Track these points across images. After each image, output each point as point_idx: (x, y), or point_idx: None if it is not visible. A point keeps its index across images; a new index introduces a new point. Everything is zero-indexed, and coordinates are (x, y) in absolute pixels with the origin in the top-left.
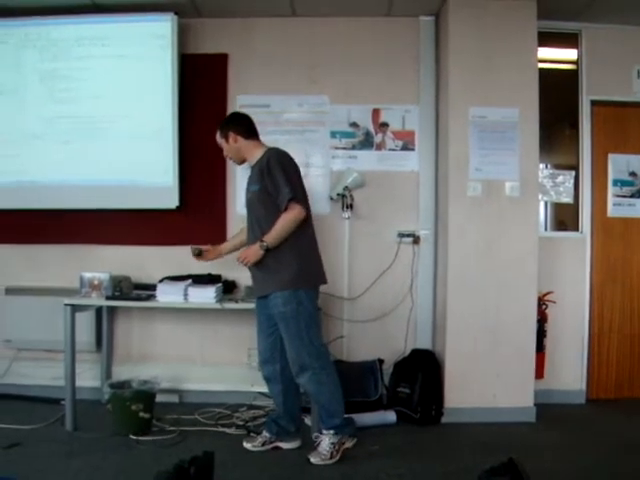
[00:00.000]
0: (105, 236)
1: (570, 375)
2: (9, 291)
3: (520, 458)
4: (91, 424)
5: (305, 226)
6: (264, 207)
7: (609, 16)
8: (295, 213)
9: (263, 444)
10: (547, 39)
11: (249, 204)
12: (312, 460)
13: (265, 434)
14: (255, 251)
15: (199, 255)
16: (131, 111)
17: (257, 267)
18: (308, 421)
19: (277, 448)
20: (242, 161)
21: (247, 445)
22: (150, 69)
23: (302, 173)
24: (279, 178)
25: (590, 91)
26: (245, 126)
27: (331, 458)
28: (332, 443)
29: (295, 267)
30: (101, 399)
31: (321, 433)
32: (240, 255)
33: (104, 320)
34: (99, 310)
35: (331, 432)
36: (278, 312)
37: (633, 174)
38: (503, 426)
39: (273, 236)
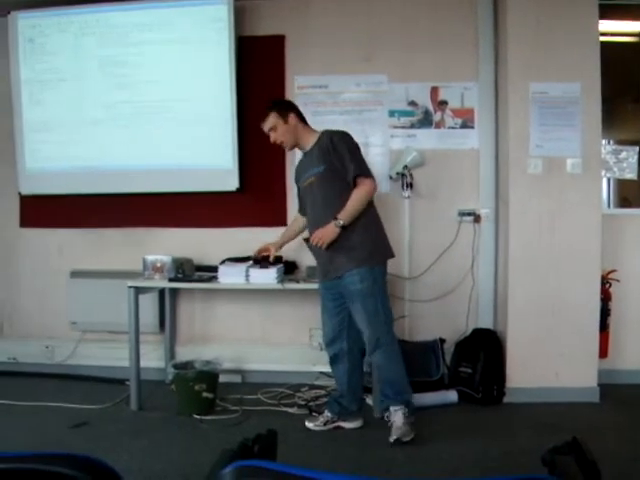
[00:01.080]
0: (167, 219)
1: (635, 355)
2: (74, 274)
3: (584, 438)
4: (155, 404)
5: (372, 202)
6: (331, 186)
7: None
8: (367, 188)
9: (325, 424)
10: (609, 11)
11: (310, 188)
12: (393, 439)
13: (327, 414)
14: (331, 230)
15: (264, 259)
16: (190, 95)
17: (328, 248)
18: (369, 400)
19: (339, 427)
20: (293, 145)
21: (309, 424)
22: (208, 53)
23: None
24: (345, 155)
25: None
26: (299, 111)
27: (410, 433)
28: (406, 418)
29: (370, 244)
30: (165, 379)
31: (388, 410)
32: (314, 237)
33: (167, 302)
34: (162, 292)
35: (403, 407)
36: (355, 290)
37: None
38: (566, 406)
39: (348, 213)
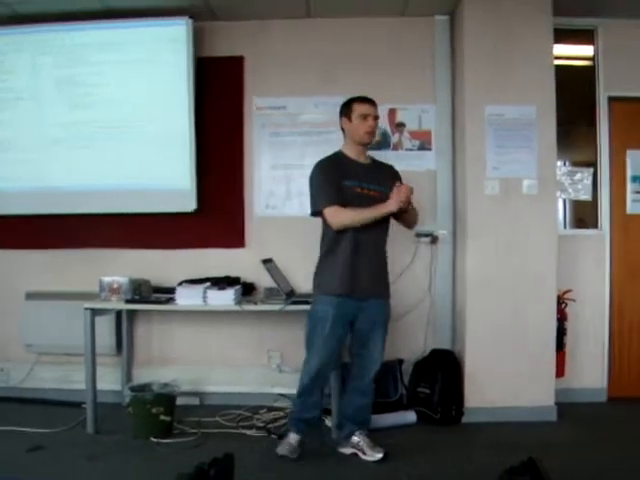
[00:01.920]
0: (124, 240)
1: (591, 373)
2: (29, 296)
3: (541, 457)
4: (112, 427)
5: None
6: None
7: (625, 11)
8: None
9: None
10: (563, 36)
11: (371, 200)
12: (380, 456)
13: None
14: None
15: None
16: (148, 115)
17: (376, 264)
18: (328, 422)
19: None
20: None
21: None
22: (166, 73)
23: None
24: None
25: (607, 87)
26: None
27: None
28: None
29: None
30: (122, 402)
31: (355, 435)
32: (403, 186)
33: (124, 323)
34: (119, 314)
35: (366, 432)
36: (385, 318)
37: None
38: (524, 425)
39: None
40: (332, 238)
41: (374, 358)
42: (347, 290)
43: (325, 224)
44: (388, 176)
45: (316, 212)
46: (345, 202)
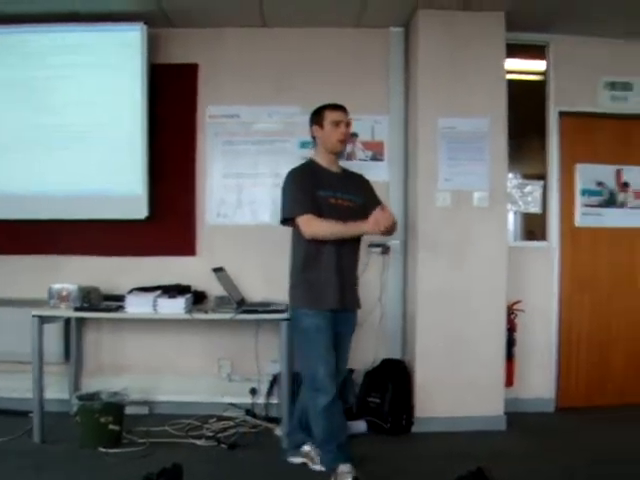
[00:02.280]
0: (74, 247)
1: (540, 383)
2: None
3: (489, 466)
4: (59, 437)
5: None
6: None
7: (576, 28)
8: None
9: None
10: (515, 50)
11: (347, 210)
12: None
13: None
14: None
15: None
16: (102, 120)
17: (354, 277)
18: (278, 432)
19: None
20: (342, 151)
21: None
22: (120, 78)
23: (271, 184)
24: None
25: (558, 102)
26: None
27: None
28: None
29: None
30: (70, 411)
31: (307, 444)
32: (388, 217)
33: (73, 331)
34: (68, 321)
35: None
36: (354, 328)
37: (600, 184)
38: (473, 435)
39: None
40: (312, 249)
41: (340, 369)
42: (337, 304)
43: (298, 234)
44: (359, 185)
45: (287, 220)
46: (319, 212)
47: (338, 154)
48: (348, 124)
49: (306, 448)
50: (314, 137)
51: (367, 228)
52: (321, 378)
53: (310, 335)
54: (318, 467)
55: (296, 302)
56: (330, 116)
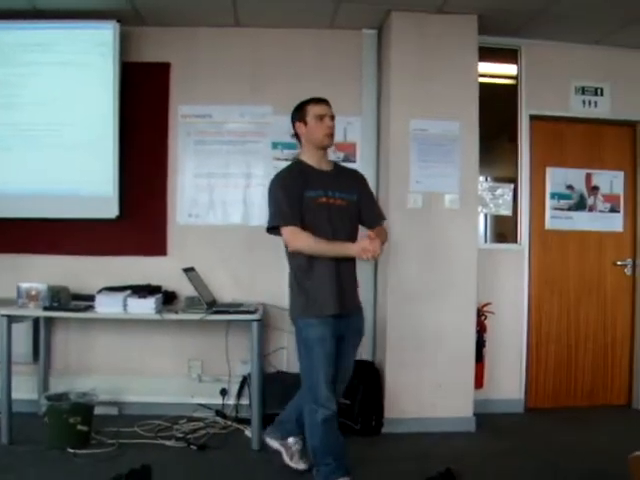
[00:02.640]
0: (43, 246)
1: (509, 385)
2: None
3: (459, 468)
4: (27, 437)
5: None
6: (356, 219)
7: (548, 33)
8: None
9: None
10: (488, 54)
11: (338, 208)
12: (301, 468)
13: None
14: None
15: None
16: (72, 119)
17: (353, 277)
18: (248, 433)
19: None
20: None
21: None
22: (91, 77)
23: (243, 184)
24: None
25: (529, 106)
26: None
27: None
28: None
29: None
30: (38, 412)
31: (293, 437)
32: (376, 241)
33: (41, 331)
34: (36, 321)
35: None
36: (361, 328)
37: (570, 187)
38: (443, 436)
39: (384, 239)
40: (308, 257)
41: (344, 377)
42: (339, 309)
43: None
44: (354, 181)
45: (273, 228)
46: (310, 215)
47: (326, 149)
48: (333, 117)
49: (290, 440)
50: (297, 135)
51: (353, 253)
52: (322, 393)
53: (311, 346)
54: (292, 464)
55: (296, 312)
56: (313, 110)
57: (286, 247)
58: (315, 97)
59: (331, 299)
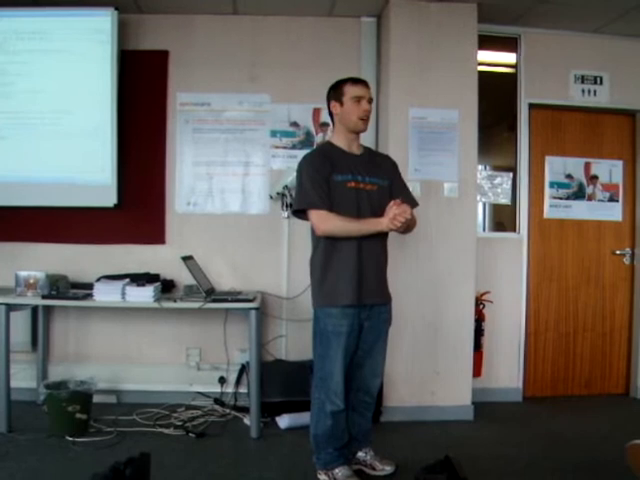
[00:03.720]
0: (42, 234)
1: (507, 373)
2: None
3: (457, 455)
4: (27, 425)
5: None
6: (386, 203)
7: (547, 22)
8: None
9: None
10: (487, 42)
11: (368, 194)
12: (391, 470)
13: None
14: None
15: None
16: (70, 107)
17: (380, 268)
18: (247, 421)
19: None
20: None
21: None
22: (89, 65)
23: (242, 172)
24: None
25: (528, 94)
26: None
27: None
28: None
29: None
30: (37, 400)
31: (360, 451)
32: (403, 205)
33: (40, 320)
34: (35, 309)
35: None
36: (386, 322)
37: (569, 176)
38: (441, 424)
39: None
40: (333, 244)
41: (376, 372)
42: (357, 300)
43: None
44: (386, 167)
45: (299, 211)
46: (338, 200)
47: (359, 133)
48: (371, 100)
49: (360, 454)
50: (331, 115)
51: (383, 226)
52: (333, 386)
53: (328, 337)
54: (379, 472)
55: (316, 302)
56: (350, 91)
57: (312, 232)
58: (354, 77)
59: (351, 288)
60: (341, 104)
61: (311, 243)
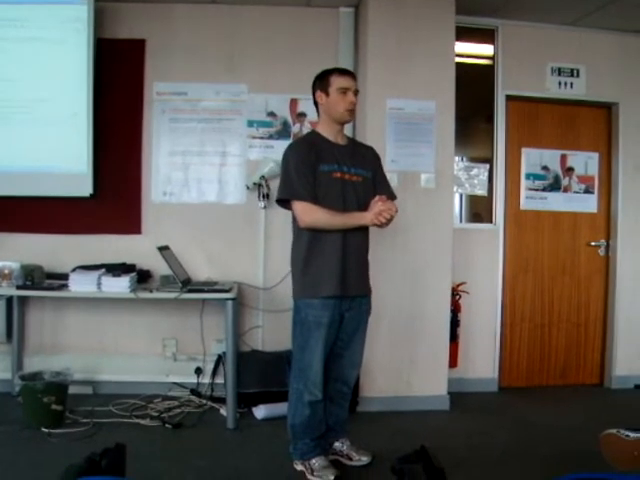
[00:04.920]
0: (16, 224)
1: (483, 364)
2: None
3: (433, 445)
4: (1, 417)
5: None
6: (371, 195)
7: (525, 14)
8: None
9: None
10: (465, 34)
11: (353, 185)
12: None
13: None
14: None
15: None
16: (45, 96)
17: (361, 261)
18: (224, 411)
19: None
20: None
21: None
22: (66, 53)
23: (218, 162)
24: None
25: (505, 86)
26: None
27: None
28: None
29: None
30: (12, 391)
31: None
32: (389, 202)
33: (15, 310)
34: (10, 300)
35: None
36: (366, 313)
37: (545, 168)
38: (417, 414)
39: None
40: (316, 235)
41: (354, 361)
42: (340, 291)
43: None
44: (369, 158)
45: (283, 201)
46: (323, 190)
47: (344, 124)
48: (357, 92)
49: (337, 444)
50: (316, 104)
51: (367, 221)
52: (312, 377)
53: (307, 328)
54: (355, 463)
55: (297, 293)
56: (337, 82)
57: (294, 222)
58: (341, 68)
59: (334, 279)
60: (327, 94)
61: (292, 233)
